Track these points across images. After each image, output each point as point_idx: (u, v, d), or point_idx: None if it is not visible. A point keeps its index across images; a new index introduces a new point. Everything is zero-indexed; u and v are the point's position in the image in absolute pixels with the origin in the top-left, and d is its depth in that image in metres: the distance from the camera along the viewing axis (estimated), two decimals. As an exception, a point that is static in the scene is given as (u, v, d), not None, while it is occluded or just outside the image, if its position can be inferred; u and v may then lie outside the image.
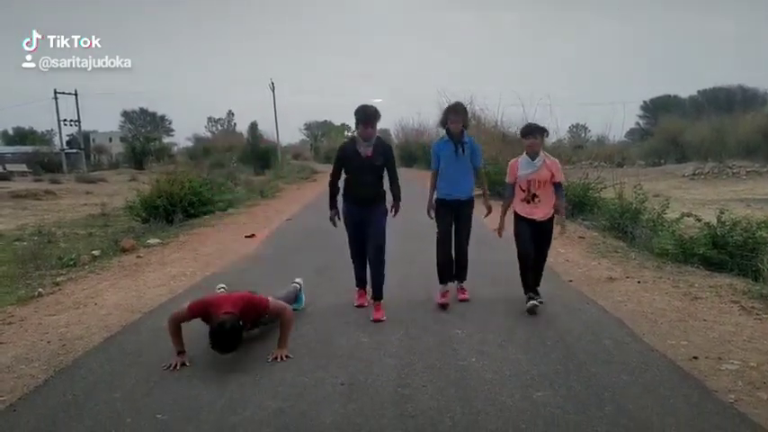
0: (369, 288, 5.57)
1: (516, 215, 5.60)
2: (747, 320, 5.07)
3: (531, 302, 5.31)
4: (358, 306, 5.64)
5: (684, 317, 5.20)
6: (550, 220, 5.55)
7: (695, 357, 4.20)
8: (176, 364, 4.16)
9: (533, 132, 5.51)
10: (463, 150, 5.69)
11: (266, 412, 3.43)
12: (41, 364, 4.32)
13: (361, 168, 5.39)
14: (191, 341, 4.40)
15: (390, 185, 5.60)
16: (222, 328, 4.00)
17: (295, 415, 3.39)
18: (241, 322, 4.21)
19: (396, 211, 5.62)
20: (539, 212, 5.48)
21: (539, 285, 5.61)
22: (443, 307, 5.51)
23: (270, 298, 4.55)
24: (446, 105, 5.96)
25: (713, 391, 3.62)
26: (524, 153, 5.55)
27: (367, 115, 5.28)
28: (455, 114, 5.70)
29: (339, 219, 5.55)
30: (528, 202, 5.50)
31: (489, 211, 5.94)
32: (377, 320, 5.19)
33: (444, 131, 5.78)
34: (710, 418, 3.28)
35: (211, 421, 3.34)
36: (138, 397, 3.68)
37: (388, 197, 5.52)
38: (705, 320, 5.08)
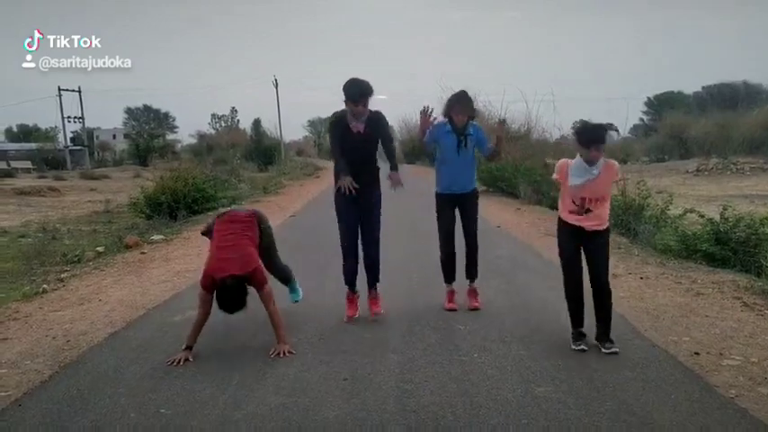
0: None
1: (562, 223, 4.58)
2: (749, 316, 5.07)
3: (580, 346, 4.33)
4: (348, 319, 5.20)
5: (686, 313, 5.20)
6: (606, 230, 4.47)
7: (697, 353, 4.21)
8: (180, 360, 4.18)
9: (598, 140, 4.23)
10: (466, 144, 5.30)
11: (269, 407, 3.46)
12: (46, 360, 4.35)
13: (353, 146, 4.97)
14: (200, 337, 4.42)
15: (386, 153, 5.20)
16: (225, 287, 4.26)
17: (298, 410, 3.41)
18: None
19: (395, 183, 5.00)
20: (589, 222, 4.37)
21: (609, 329, 4.37)
22: (452, 310, 5.33)
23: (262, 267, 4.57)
24: (450, 95, 5.41)
25: (714, 387, 3.62)
26: (577, 157, 4.38)
27: (360, 93, 4.81)
28: (460, 105, 5.26)
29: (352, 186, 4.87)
30: (579, 215, 4.41)
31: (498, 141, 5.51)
32: (377, 314, 5.18)
33: (447, 120, 5.32)
34: (712, 413, 3.29)
35: (214, 416, 3.36)
36: (142, 392, 3.70)
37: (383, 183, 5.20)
38: (707, 316, 5.09)
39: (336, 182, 5.00)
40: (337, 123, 5.04)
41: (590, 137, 4.23)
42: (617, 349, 4.21)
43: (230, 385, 3.79)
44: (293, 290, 5.50)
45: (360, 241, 5.24)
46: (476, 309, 5.40)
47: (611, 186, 4.53)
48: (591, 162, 4.25)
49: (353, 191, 4.85)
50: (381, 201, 5.25)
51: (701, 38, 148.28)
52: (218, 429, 3.22)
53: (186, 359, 4.21)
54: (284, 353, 4.31)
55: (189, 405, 3.50)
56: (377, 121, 5.05)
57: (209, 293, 4.32)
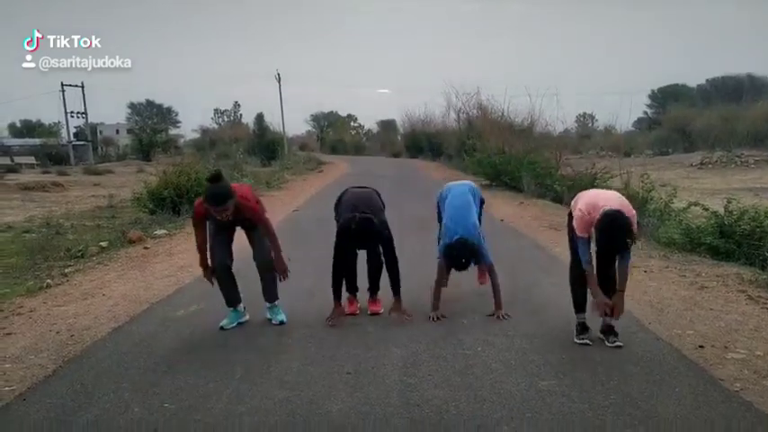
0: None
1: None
2: (754, 309, 5.06)
3: (584, 339, 4.33)
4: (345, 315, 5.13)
5: (691, 306, 5.19)
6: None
7: (701, 346, 4.20)
8: (209, 275, 4.93)
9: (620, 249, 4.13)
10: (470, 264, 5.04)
11: (273, 401, 3.46)
12: (50, 355, 4.35)
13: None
14: (197, 336, 4.43)
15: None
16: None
17: (302, 404, 3.42)
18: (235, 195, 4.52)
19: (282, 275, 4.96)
20: None
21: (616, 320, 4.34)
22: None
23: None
24: (447, 255, 5.00)
25: (719, 380, 3.62)
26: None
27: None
28: (459, 263, 4.94)
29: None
30: None
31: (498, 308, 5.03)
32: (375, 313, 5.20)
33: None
34: (716, 406, 3.28)
35: (218, 410, 3.36)
36: (145, 386, 3.71)
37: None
38: (711, 309, 5.07)
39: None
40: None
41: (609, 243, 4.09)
42: (621, 343, 4.22)
43: (234, 379, 3.79)
44: (275, 310, 5.08)
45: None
46: (483, 283, 5.46)
47: None
48: None
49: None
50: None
51: (705, 30, 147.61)
52: (222, 423, 3.22)
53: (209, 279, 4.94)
54: (282, 277, 4.96)
55: (193, 399, 3.51)
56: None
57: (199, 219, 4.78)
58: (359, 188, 5.50)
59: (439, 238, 5.36)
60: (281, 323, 4.92)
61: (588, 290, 4.37)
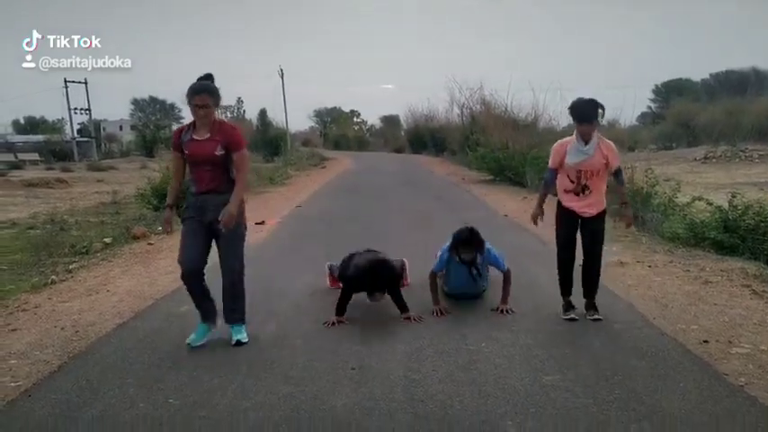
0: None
1: (561, 208, 4.82)
2: (759, 304, 5.05)
3: (569, 315, 4.71)
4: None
5: (695, 301, 5.18)
6: (602, 215, 4.77)
7: (706, 341, 4.19)
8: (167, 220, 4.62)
9: (589, 118, 4.54)
10: (479, 273, 5.10)
11: (277, 396, 3.47)
12: (55, 351, 4.37)
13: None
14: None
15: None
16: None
17: (306, 399, 3.42)
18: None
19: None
20: (590, 208, 4.67)
21: (594, 298, 4.82)
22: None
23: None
24: (456, 237, 5.04)
25: (724, 375, 3.61)
26: (574, 135, 4.64)
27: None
28: (466, 248, 4.96)
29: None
30: (577, 195, 4.67)
31: (504, 303, 5.06)
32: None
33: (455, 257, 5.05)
34: (721, 401, 3.28)
35: (223, 406, 3.37)
36: (150, 382, 3.72)
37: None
38: (716, 304, 5.06)
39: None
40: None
41: (578, 116, 4.58)
42: (600, 317, 4.66)
43: (238, 375, 3.80)
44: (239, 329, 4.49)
45: None
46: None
47: (605, 163, 4.64)
48: (583, 138, 4.57)
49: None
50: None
51: (709, 24, 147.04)
52: (227, 419, 3.23)
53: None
54: (229, 221, 4.13)
55: (197, 395, 3.52)
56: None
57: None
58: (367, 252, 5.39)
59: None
60: (239, 343, 4.28)
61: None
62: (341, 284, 5.26)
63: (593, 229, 4.76)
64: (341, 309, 4.88)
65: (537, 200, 5.05)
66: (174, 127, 64.22)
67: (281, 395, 3.48)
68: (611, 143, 4.74)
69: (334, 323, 4.78)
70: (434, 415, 3.21)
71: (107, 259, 7.87)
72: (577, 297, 4.90)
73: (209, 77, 4.27)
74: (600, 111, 4.60)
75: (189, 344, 4.29)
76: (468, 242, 4.97)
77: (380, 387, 3.57)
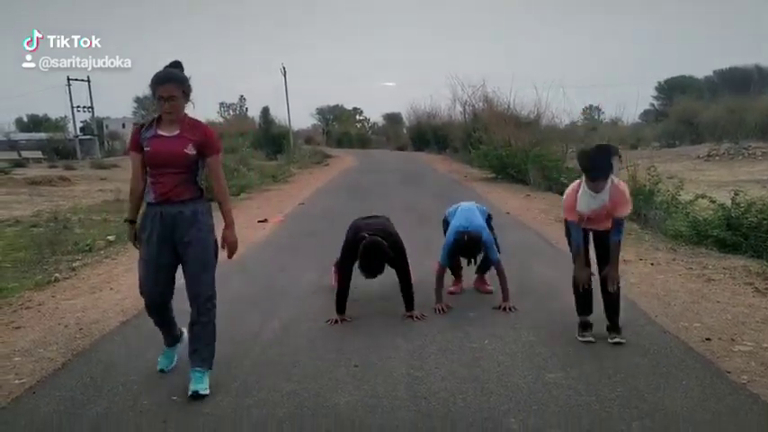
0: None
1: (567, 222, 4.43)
2: (761, 302, 5.04)
3: (586, 338, 4.25)
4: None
5: (698, 299, 5.18)
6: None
7: (708, 339, 4.19)
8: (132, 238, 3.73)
9: (602, 173, 3.94)
10: (475, 262, 5.29)
11: (280, 394, 3.48)
12: (59, 348, 4.38)
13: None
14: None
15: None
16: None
17: (309, 396, 3.44)
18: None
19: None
20: (601, 225, 4.23)
21: (616, 319, 4.26)
22: (453, 294, 5.49)
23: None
24: (456, 245, 5.07)
25: (726, 373, 3.62)
26: (583, 182, 4.11)
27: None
28: (466, 253, 5.10)
29: None
30: (585, 225, 4.29)
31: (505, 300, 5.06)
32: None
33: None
34: (723, 399, 3.28)
35: (226, 403, 3.39)
36: (154, 379, 3.74)
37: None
38: (718, 302, 5.06)
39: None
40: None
41: (590, 166, 3.98)
42: (622, 340, 4.15)
43: (241, 372, 3.81)
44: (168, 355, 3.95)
45: None
46: (489, 292, 5.51)
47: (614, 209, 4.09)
48: (595, 190, 4.02)
49: None
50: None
51: (712, 21, 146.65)
52: (231, 416, 3.24)
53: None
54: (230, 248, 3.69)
55: (201, 392, 3.52)
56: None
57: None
58: (373, 217, 5.38)
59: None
60: (195, 395, 3.42)
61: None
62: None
63: (605, 239, 4.25)
64: (340, 303, 4.85)
65: (577, 261, 4.29)
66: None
67: (284, 392, 3.49)
68: (625, 188, 4.16)
69: (336, 321, 4.78)
70: (437, 412, 3.21)
71: (110, 257, 7.89)
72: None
73: (177, 65, 3.61)
74: (617, 157, 4.07)
75: (162, 369, 3.81)
76: (467, 249, 5.03)
77: (383, 384, 3.58)
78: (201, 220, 3.55)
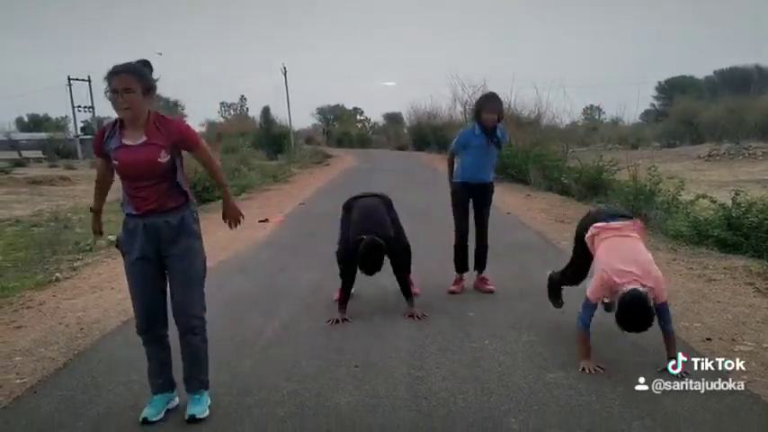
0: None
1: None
2: (762, 302, 5.04)
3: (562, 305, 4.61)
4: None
5: (698, 299, 5.18)
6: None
7: (709, 339, 4.19)
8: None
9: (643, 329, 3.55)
10: (496, 145, 5.47)
11: (281, 393, 3.48)
12: (60, 348, 4.39)
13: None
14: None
15: None
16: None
17: (310, 396, 3.44)
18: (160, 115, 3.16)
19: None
20: None
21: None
22: (452, 293, 5.51)
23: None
24: (480, 96, 5.56)
25: (727, 373, 3.61)
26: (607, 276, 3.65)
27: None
28: (490, 104, 5.31)
29: None
30: None
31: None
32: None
33: (476, 124, 5.37)
34: (723, 399, 3.28)
35: (227, 402, 3.39)
36: (155, 379, 3.73)
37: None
38: (719, 302, 5.06)
39: None
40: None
41: (632, 327, 3.55)
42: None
43: (241, 372, 3.82)
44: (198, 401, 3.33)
45: None
46: (490, 292, 5.51)
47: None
48: None
49: None
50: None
51: (713, 21, 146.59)
52: (231, 415, 3.25)
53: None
54: (235, 223, 3.45)
55: (201, 392, 3.52)
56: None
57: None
58: (368, 197, 5.38)
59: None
60: (193, 419, 3.18)
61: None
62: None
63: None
64: (343, 302, 4.87)
65: (581, 345, 3.85)
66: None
67: (285, 392, 3.49)
68: (660, 275, 3.67)
69: (338, 321, 4.78)
70: (437, 412, 3.22)
71: (111, 257, 7.87)
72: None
73: (145, 64, 3.14)
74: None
75: (145, 418, 3.18)
76: (493, 100, 5.32)
77: (384, 384, 3.58)
78: (188, 230, 3.20)
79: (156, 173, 3.08)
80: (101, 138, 3.15)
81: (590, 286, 3.83)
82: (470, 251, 5.67)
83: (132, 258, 3.19)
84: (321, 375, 3.73)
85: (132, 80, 2.97)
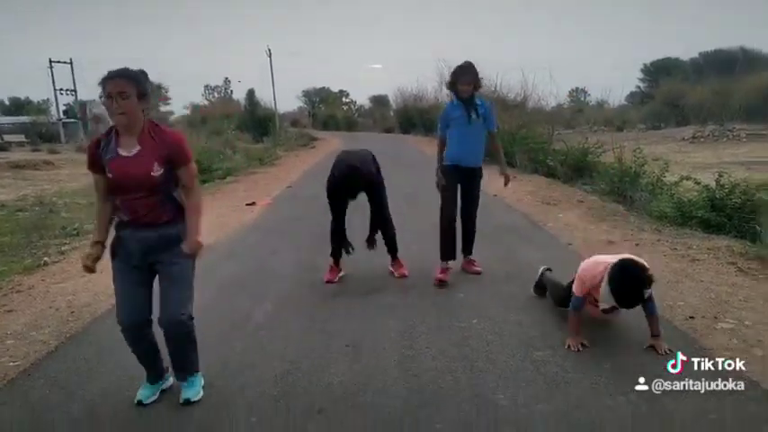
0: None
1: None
2: (744, 281, 5.15)
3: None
4: (327, 282, 5.40)
5: (681, 278, 5.28)
6: None
7: (692, 317, 4.29)
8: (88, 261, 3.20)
9: (635, 305, 3.63)
10: (477, 115, 5.22)
11: (273, 374, 3.53)
12: (51, 331, 4.41)
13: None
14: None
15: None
16: None
17: (302, 376, 3.49)
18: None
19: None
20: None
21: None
22: (441, 283, 5.22)
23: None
24: (455, 66, 5.26)
25: (708, 349, 3.71)
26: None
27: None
28: (464, 75, 5.16)
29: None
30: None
31: (507, 180, 5.61)
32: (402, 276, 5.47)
33: (453, 95, 5.29)
34: (705, 373, 3.36)
35: (221, 382, 3.44)
36: (148, 360, 3.77)
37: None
38: (702, 281, 5.16)
39: None
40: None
41: (625, 301, 3.60)
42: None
43: (233, 354, 3.86)
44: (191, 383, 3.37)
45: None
46: (477, 273, 5.56)
47: None
48: None
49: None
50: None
51: (697, 4, 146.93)
52: (225, 396, 3.29)
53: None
54: (193, 252, 3.15)
55: (195, 372, 3.57)
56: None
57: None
58: (353, 150, 5.63)
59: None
60: (187, 402, 3.24)
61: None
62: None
63: None
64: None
65: (571, 326, 3.95)
66: (162, 108, 63.90)
67: (278, 372, 3.55)
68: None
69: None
70: (428, 389, 3.28)
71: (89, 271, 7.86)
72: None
73: (141, 73, 3.09)
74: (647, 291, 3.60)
75: (140, 401, 3.25)
76: (467, 69, 5.19)
77: (374, 363, 3.64)
78: (181, 241, 3.11)
79: (148, 187, 3.02)
80: (96, 149, 3.05)
81: (573, 287, 3.99)
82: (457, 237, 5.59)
83: (121, 266, 3.16)
84: (313, 355, 3.79)
85: (127, 84, 2.92)
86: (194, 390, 3.30)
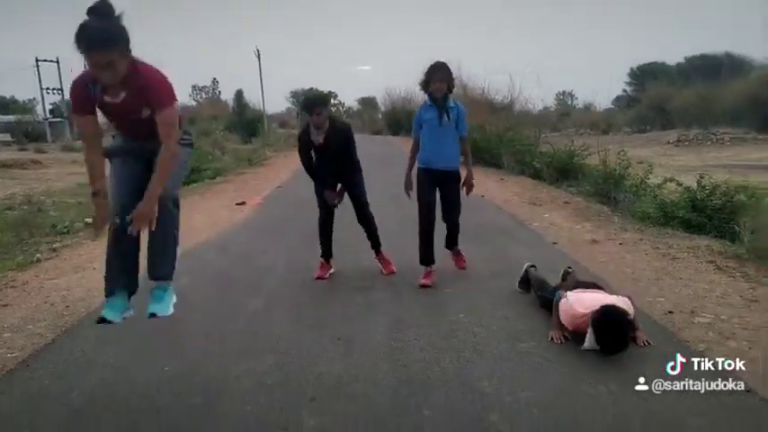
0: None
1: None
2: (721, 278, 5.31)
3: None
4: (318, 278, 5.53)
5: (662, 275, 5.44)
6: None
7: (671, 312, 4.44)
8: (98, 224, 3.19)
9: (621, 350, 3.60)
10: (448, 117, 5.16)
11: (267, 365, 3.63)
12: (48, 324, 4.48)
13: (318, 157, 5.45)
14: (188, 303, 4.56)
15: (345, 174, 5.59)
16: None
17: (295, 367, 3.59)
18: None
19: (338, 201, 5.57)
20: None
21: None
22: (425, 287, 5.18)
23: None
24: (428, 66, 5.16)
25: (685, 342, 3.86)
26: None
27: (309, 103, 5.29)
28: (437, 73, 5.08)
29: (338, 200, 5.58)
30: None
31: (469, 188, 5.47)
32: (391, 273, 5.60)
33: (427, 96, 5.20)
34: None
35: (215, 372, 3.54)
36: (144, 352, 3.87)
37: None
38: (681, 278, 5.33)
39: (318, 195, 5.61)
40: (301, 138, 5.53)
41: (609, 348, 3.62)
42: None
43: (228, 346, 3.96)
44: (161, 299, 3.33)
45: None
46: (462, 268, 5.70)
47: None
48: None
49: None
50: (363, 183, 5.76)
51: (683, 9, 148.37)
52: (221, 384, 3.39)
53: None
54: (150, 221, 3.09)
55: (191, 362, 3.68)
56: (339, 136, 5.39)
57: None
58: None
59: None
60: (152, 316, 3.23)
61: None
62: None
63: None
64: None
65: (554, 319, 4.07)
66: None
67: (271, 363, 3.65)
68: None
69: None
70: (416, 378, 3.41)
71: (90, 238, 7.93)
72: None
73: (105, 12, 2.82)
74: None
75: (103, 317, 3.17)
76: (440, 69, 5.11)
77: (365, 355, 3.76)
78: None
79: (143, 120, 3.03)
80: (84, 88, 2.96)
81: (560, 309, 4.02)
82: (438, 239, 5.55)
83: (119, 158, 3.23)
84: (305, 348, 3.90)
85: (111, 53, 2.77)
86: (163, 305, 3.21)
